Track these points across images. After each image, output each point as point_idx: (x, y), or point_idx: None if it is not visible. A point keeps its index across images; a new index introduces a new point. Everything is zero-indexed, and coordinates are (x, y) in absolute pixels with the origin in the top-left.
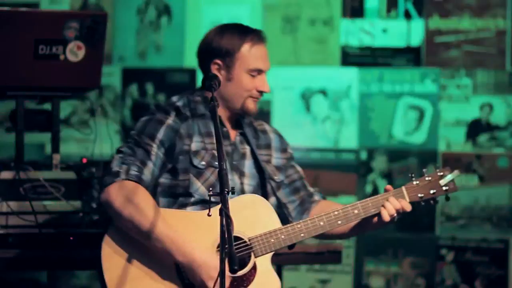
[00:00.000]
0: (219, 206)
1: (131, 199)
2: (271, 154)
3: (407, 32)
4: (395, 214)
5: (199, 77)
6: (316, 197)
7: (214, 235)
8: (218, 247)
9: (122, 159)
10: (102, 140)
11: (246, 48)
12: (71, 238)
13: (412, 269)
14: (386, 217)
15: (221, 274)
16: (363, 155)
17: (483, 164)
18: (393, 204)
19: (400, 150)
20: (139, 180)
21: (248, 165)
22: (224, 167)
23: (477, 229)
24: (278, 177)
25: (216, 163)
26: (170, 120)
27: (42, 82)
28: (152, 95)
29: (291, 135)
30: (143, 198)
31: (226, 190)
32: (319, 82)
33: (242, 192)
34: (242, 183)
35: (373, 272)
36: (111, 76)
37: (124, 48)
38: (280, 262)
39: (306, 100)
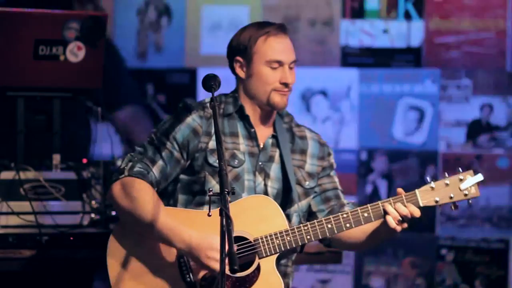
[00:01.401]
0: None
1: (131, 192)
2: (305, 160)
3: (407, 32)
4: (401, 220)
5: (200, 77)
6: (347, 208)
7: (217, 235)
8: None
9: (132, 156)
10: (102, 141)
11: (261, 40)
12: (71, 238)
13: (412, 269)
14: (392, 224)
15: (221, 274)
16: (363, 156)
17: (483, 164)
18: (399, 210)
19: (400, 150)
20: (142, 176)
21: (274, 168)
22: (224, 168)
23: (477, 229)
24: (308, 183)
25: (235, 162)
26: (190, 119)
27: (42, 82)
28: (152, 95)
29: None
30: (143, 191)
31: (226, 190)
32: (319, 82)
33: (265, 193)
34: (266, 185)
35: (373, 272)
36: None
37: (124, 49)
38: None
39: (306, 101)
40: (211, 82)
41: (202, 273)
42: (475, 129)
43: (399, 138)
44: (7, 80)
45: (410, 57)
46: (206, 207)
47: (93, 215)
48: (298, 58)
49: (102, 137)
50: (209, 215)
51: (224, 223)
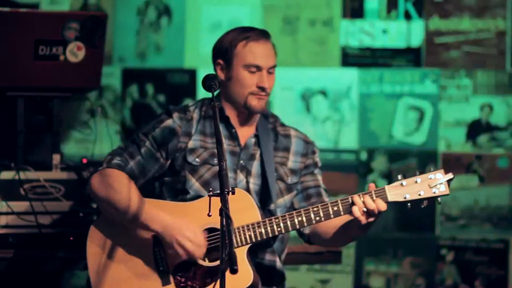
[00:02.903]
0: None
1: (107, 181)
2: (287, 157)
3: (407, 32)
4: (366, 213)
5: (200, 77)
6: None
7: (198, 224)
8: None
9: (112, 151)
10: (102, 141)
11: (241, 45)
12: (71, 238)
13: (412, 269)
14: (356, 213)
15: (221, 274)
16: (363, 156)
17: (483, 164)
18: (365, 202)
19: (400, 150)
20: (119, 168)
21: (255, 166)
22: (224, 167)
23: (477, 229)
24: (291, 179)
25: (214, 160)
26: (170, 120)
27: (42, 82)
28: (152, 95)
29: None
30: (119, 179)
31: (226, 190)
32: (319, 82)
33: (247, 190)
34: (248, 182)
35: (373, 272)
36: (111, 76)
37: (124, 49)
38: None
39: (306, 101)
40: (211, 82)
41: (175, 262)
42: (475, 129)
43: (399, 138)
44: (7, 80)
45: (410, 57)
46: None
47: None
48: (298, 58)
49: (102, 136)
50: (209, 215)
51: (224, 223)
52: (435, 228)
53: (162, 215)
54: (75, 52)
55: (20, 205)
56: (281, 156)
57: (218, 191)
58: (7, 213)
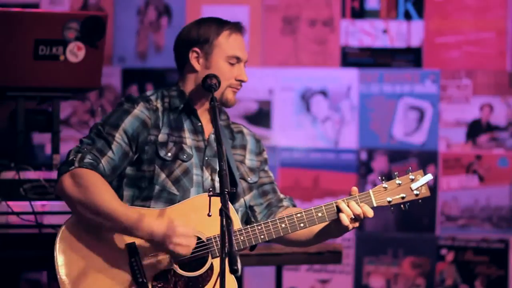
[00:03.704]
0: (179, 205)
1: (82, 183)
2: (245, 155)
3: (407, 32)
4: (353, 218)
5: None
6: (285, 203)
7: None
8: None
9: (79, 148)
10: None
11: (224, 35)
12: None
13: (412, 269)
14: (345, 221)
15: (221, 274)
16: (363, 156)
17: (483, 164)
18: (352, 208)
19: (400, 150)
20: (92, 168)
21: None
22: (224, 167)
23: (477, 229)
24: (251, 178)
25: (184, 156)
26: (137, 110)
27: (42, 82)
28: None
29: (291, 135)
30: (95, 180)
31: (226, 190)
32: (319, 82)
33: (213, 188)
34: (213, 180)
35: (373, 272)
36: (111, 76)
37: (124, 49)
38: (280, 262)
39: (306, 101)
40: (211, 82)
41: (153, 273)
42: (475, 129)
43: (399, 138)
44: (7, 80)
45: (410, 57)
46: (153, 202)
47: None
48: (298, 58)
49: None
50: (209, 215)
51: (224, 223)
52: (435, 228)
53: (147, 220)
54: (75, 52)
55: (20, 205)
56: (239, 154)
57: (218, 191)
58: (7, 213)
